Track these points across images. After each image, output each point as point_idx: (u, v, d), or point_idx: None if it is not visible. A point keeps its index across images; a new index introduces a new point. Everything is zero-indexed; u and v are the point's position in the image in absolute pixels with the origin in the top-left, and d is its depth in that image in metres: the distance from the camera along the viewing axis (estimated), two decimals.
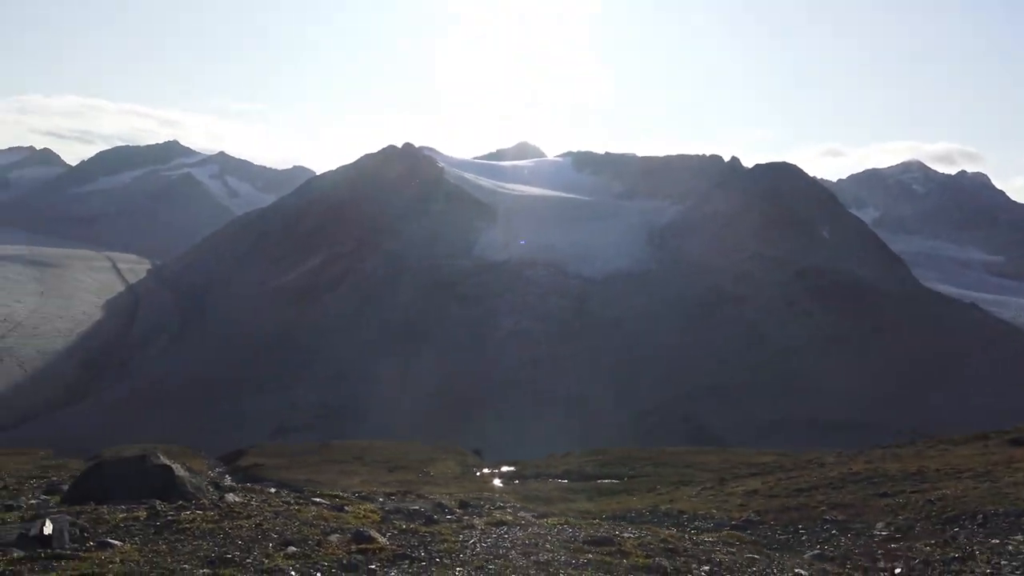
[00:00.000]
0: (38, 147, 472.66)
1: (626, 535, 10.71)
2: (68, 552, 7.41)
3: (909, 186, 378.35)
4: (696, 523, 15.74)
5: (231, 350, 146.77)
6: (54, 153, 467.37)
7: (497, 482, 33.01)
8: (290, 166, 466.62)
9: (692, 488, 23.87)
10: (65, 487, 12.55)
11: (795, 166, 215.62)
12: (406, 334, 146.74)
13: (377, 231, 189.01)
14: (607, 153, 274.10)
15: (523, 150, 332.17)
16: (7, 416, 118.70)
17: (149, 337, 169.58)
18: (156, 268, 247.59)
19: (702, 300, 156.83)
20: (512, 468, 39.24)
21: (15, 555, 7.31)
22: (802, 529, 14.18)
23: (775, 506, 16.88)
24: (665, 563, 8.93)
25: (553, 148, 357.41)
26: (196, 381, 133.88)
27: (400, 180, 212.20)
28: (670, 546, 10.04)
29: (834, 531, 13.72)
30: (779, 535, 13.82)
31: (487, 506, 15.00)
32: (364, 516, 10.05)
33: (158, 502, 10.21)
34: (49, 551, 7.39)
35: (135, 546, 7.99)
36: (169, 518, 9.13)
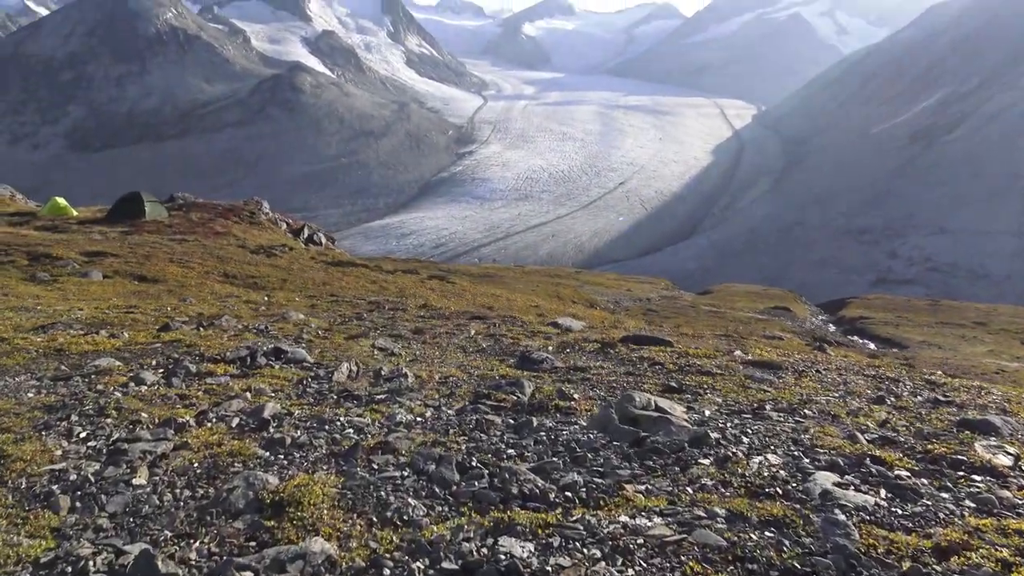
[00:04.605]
0: (659, 1, 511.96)
1: None
2: None
3: None
4: None
5: (831, 196, 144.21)
6: (673, 6, 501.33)
7: None
8: None
9: None
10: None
11: None
12: None
13: (1013, 61, 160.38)
14: None
15: None
16: (632, 249, 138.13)
17: (753, 181, 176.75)
18: (761, 113, 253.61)
19: None
20: None
21: None
22: None
23: None
24: None
25: None
26: (795, 225, 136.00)
27: None
28: None
29: None
30: None
31: None
32: None
33: None
34: None
35: None
36: None
